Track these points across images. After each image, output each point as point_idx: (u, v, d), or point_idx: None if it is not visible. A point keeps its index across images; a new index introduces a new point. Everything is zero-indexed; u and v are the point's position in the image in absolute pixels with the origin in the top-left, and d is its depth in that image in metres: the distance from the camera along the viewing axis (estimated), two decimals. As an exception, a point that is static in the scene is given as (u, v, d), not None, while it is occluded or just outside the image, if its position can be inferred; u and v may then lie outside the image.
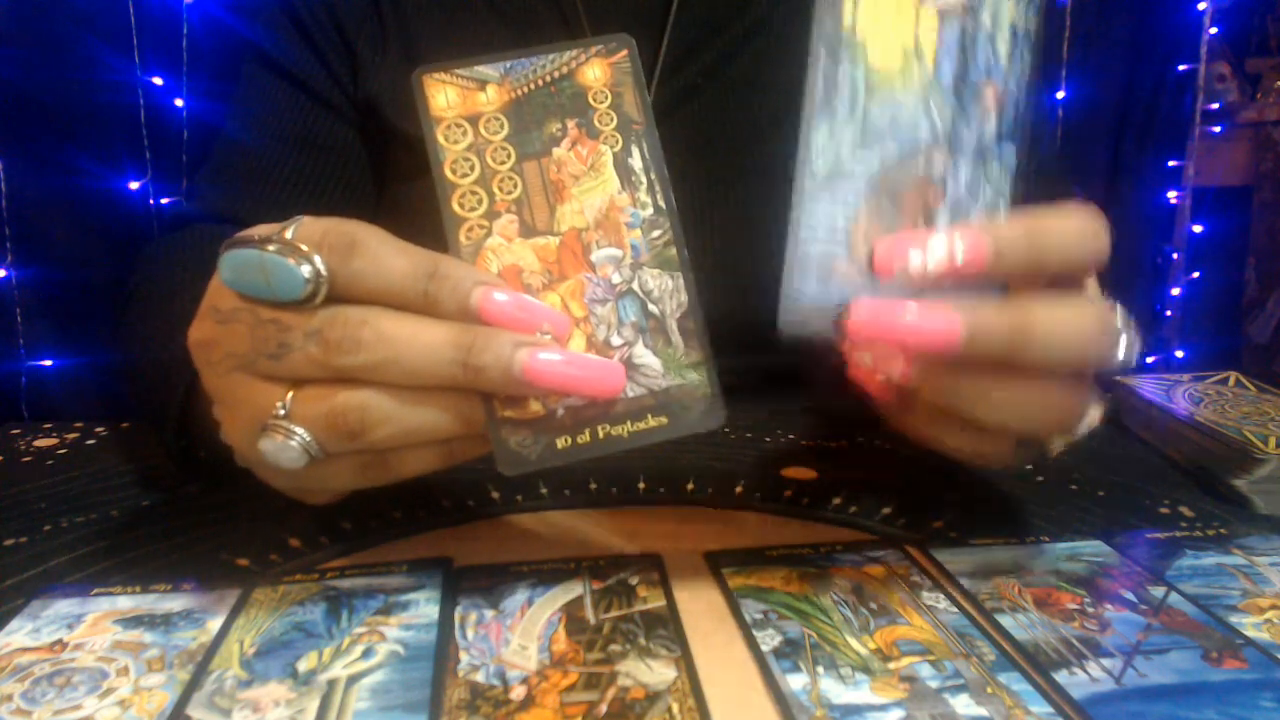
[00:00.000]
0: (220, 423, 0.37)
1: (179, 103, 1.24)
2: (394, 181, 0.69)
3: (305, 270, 0.31)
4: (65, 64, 1.20)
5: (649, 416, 0.35)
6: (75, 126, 1.21)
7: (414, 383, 0.32)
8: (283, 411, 0.33)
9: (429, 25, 0.66)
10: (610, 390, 0.33)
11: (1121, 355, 0.35)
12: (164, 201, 1.27)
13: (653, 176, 0.36)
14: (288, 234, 0.32)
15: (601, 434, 0.34)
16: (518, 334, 0.32)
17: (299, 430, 0.33)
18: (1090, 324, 0.33)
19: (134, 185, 1.26)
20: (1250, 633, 0.34)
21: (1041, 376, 0.34)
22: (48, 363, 1.27)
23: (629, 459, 0.52)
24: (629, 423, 0.34)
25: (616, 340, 0.35)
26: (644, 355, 0.35)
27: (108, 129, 1.23)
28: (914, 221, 0.34)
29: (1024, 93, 0.35)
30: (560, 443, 0.34)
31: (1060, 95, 1.56)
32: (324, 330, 0.32)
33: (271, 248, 0.31)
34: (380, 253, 0.32)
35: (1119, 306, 0.37)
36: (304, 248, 0.31)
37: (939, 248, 0.32)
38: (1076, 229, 0.33)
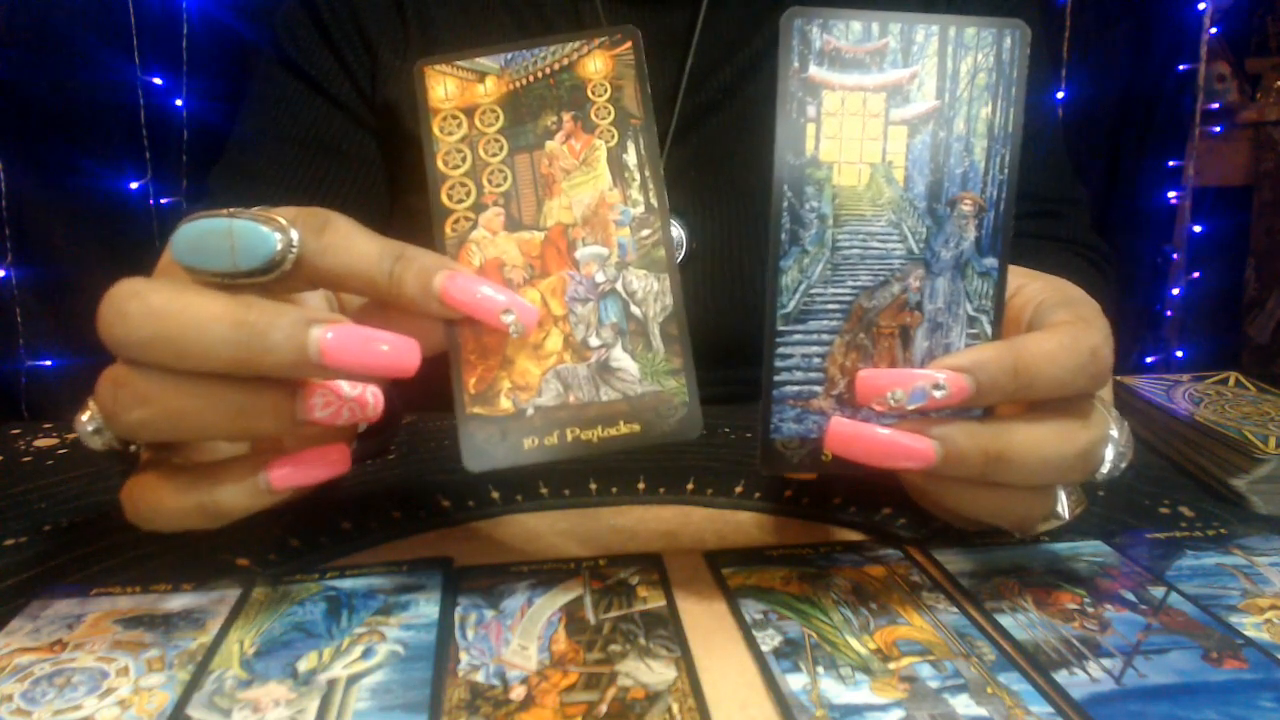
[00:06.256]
0: None
1: (179, 103, 1.24)
2: (408, 191, 0.68)
3: (277, 236, 0.30)
4: (65, 64, 1.20)
5: (621, 423, 0.34)
6: (75, 126, 1.21)
7: (192, 365, 0.29)
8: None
9: (452, 32, 0.66)
10: (403, 368, 0.31)
11: (1105, 471, 0.36)
12: (164, 201, 1.27)
13: (647, 173, 0.35)
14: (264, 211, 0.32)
15: (569, 437, 0.33)
16: (308, 311, 0.29)
17: (90, 405, 0.32)
18: (1070, 449, 0.32)
19: (134, 185, 1.26)
20: (1250, 633, 0.34)
21: (1011, 488, 0.34)
22: (48, 363, 1.27)
23: (629, 459, 0.52)
24: (599, 428, 0.33)
25: (595, 341, 0.34)
26: (621, 359, 0.34)
27: (108, 129, 1.23)
28: (890, 347, 0.34)
29: (1006, 196, 0.34)
30: (527, 443, 0.33)
31: (1060, 95, 1.56)
32: (102, 304, 0.30)
33: (243, 215, 0.30)
34: (351, 233, 0.31)
35: (1119, 420, 0.36)
36: (281, 220, 0.30)
37: (920, 385, 0.32)
38: (1066, 359, 0.32)
